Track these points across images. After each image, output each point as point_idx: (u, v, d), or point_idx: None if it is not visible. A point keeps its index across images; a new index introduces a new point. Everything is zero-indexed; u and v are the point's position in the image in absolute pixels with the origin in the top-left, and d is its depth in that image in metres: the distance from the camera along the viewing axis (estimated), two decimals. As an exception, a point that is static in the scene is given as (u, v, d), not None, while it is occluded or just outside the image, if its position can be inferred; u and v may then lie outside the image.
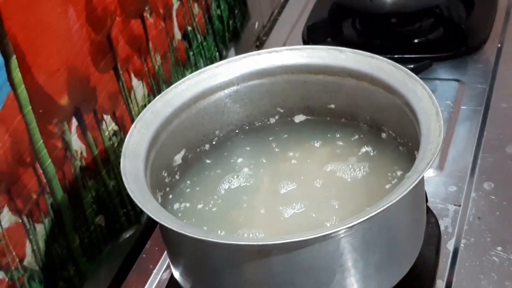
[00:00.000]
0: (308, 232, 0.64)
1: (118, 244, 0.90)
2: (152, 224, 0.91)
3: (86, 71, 0.82)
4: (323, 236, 0.64)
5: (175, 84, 0.81)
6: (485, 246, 0.80)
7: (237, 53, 1.18)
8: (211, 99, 0.83)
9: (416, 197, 0.73)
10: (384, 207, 0.64)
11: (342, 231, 0.65)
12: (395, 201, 0.64)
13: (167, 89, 0.81)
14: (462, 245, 0.81)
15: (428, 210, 0.83)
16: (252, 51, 0.85)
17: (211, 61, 1.09)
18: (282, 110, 0.86)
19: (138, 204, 0.67)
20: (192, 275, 0.74)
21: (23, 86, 0.73)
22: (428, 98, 0.73)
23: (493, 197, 0.85)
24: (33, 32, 0.74)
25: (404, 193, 0.64)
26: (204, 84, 0.82)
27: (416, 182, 0.65)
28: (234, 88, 0.84)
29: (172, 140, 0.80)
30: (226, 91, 0.84)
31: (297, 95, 0.85)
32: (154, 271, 0.85)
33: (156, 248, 0.87)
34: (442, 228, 0.83)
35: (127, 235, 0.92)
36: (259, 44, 1.23)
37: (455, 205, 0.85)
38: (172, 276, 0.79)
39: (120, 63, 0.87)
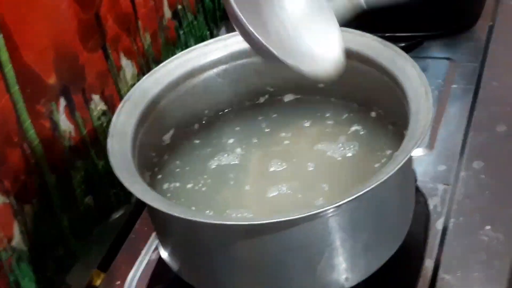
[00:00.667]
0: (296, 212, 0.64)
1: (108, 224, 0.90)
2: (141, 204, 0.90)
3: (74, 50, 0.81)
4: (311, 215, 0.64)
5: (163, 63, 0.81)
6: (474, 225, 0.80)
7: (229, 32, 1.15)
8: (200, 78, 0.82)
9: (404, 176, 0.73)
10: (372, 186, 0.63)
11: (330, 210, 0.65)
12: (382, 180, 0.63)
13: (155, 68, 0.80)
14: (451, 224, 0.81)
15: (417, 190, 0.83)
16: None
17: (201, 40, 1.08)
18: (271, 89, 0.86)
19: (125, 184, 0.67)
20: (180, 256, 0.74)
21: (10, 65, 0.72)
22: (417, 76, 0.73)
23: (482, 176, 0.85)
24: (20, 10, 0.73)
25: (392, 172, 0.64)
26: (193, 62, 0.82)
27: (404, 161, 0.65)
28: (223, 67, 0.83)
29: (160, 120, 0.80)
30: (215, 70, 0.83)
31: (286, 74, 0.84)
32: (143, 251, 0.85)
33: (146, 228, 0.87)
34: (431, 207, 0.82)
35: (117, 215, 0.92)
36: (251, 22, 1.22)
37: (444, 184, 0.85)
38: (161, 256, 0.79)
39: (108, 42, 0.87)
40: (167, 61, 0.81)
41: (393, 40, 0.78)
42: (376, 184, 0.63)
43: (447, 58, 1.03)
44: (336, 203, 0.63)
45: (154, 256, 0.84)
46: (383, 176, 0.64)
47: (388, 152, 0.77)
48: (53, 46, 0.78)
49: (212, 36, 1.13)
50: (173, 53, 0.99)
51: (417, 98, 0.71)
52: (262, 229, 0.66)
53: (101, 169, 0.87)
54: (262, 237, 0.66)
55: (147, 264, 0.84)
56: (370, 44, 0.79)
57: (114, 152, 0.71)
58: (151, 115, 0.78)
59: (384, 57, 0.77)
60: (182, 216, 0.65)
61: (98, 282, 0.84)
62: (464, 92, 0.97)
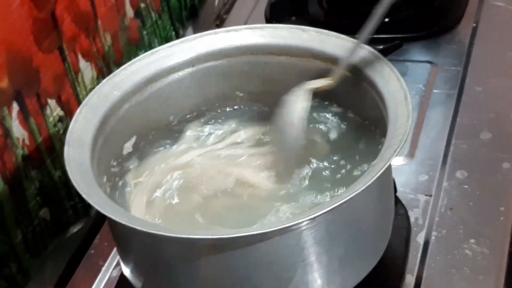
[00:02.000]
0: (266, 225, 0.64)
1: (65, 239, 0.90)
2: (101, 217, 0.90)
3: (28, 51, 0.81)
4: (283, 228, 0.64)
5: (124, 66, 0.81)
6: (458, 239, 0.81)
7: (195, 32, 1.17)
8: (164, 82, 0.82)
9: (383, 186, 0.74)
10: (349, 197, 0.64)
11: (304, 223, 0.65)
12: (359, 190, 0.64)
13: (116, 71, 0.80)
14: (433, 237, 0.81)
15: (397, 201, 0.83)
16: (211, 30, 0.85)
17: (166, 41, 1.08)
18: (241, 94, 0.86)
19: (83, 195, 0.67)
20: (143, 272, 0.74)
21: (-43, 67, 0.72)
22: (396, 80, 0.74)
23: (466, 187, 0.86)
24: (-31, 8, 0.73)
25: (370, 182, 0.64)
26: (156, 65, 0.82)
27: (382, 170, 0.65)
28: (189, 70, 0.83)
29: (121, 127, 0.79)
30: (180, 73, 0.83)
31: (257, 78, 0.85)
32: (104, 268, 0.85)
33: (106, 243, 0.87)
34: (412, 219, 0.83)
35: (75, 229, 0.91)
36: (220, 22, 1.23)
37: (426, 195, 0.86)
38: (122, 273, 0.79)
39: (66, 42, 0.87)
40: (128, 63, 0.81)
41: (371, 43, 0.79)
42: (353, 194, 0.64)
43: (428, 62, 1.04)
44: (311, 214, 0.63)
45: (115, 273, 0.84)
46: (361, 186, 0.64)
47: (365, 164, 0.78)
48: (5, 47, 0.77)
49: (178, 36, 1.13)
50: (136, 55, 0.99)
51: (395, 104, 0.72)
52: (230, 243, 0.66)
53: (57, 179, 0.87)
54: (230, 253, 0.66)
55: (107, 282, 0.84)
56: (346, 47, 0.79)
57: (72, 161, 0.70)
58: (111, 121, 0.78)
59: (361, 60, 0.77)
60: (145, 229, 0.64)
61: (53, 302, 0.84)
62: (446, 98, 0.98)
